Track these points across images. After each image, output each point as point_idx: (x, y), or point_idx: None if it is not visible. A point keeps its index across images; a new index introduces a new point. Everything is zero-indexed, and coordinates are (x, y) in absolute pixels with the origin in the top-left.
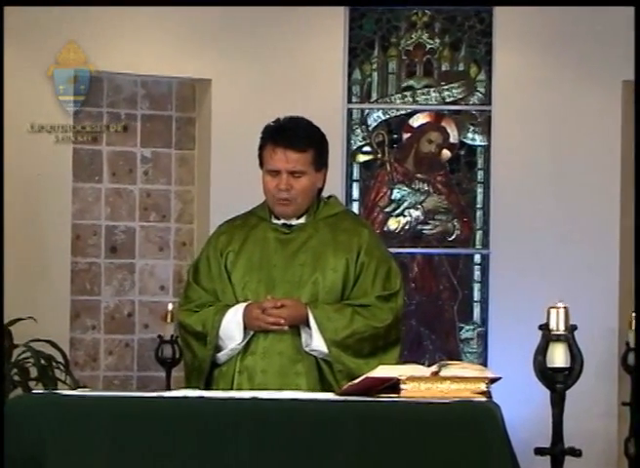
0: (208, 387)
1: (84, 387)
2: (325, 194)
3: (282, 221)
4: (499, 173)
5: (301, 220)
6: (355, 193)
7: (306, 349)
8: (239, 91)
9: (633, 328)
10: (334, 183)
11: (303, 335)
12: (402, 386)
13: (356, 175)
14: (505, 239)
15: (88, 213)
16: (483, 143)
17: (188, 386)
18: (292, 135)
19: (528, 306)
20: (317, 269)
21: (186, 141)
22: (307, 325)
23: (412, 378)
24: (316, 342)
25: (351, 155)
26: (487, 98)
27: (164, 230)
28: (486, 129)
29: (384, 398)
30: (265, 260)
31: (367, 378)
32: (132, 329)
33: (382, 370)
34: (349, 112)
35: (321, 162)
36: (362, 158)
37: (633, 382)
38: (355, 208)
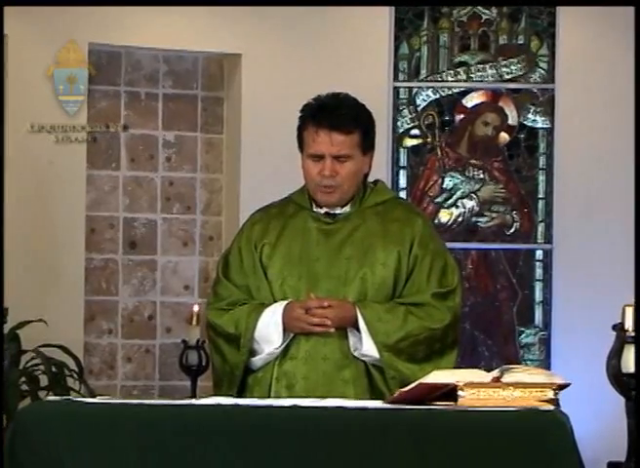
0: (240, 396)
1: (102, 396)
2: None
3: (324, 210)
4: (563, 158)
5: (346, 209)
6: (402, 181)
7: (355, 354)
8: (273, 67)
9: None
10: (378, 170)
11: (352, 339)
12: (459, 393)
13: (403, 161)
14: (570, 232)
15: (104, 204)
16: (545, 125)
17: (218, 395)
18: (337, 114)
19: (596, 307)
20: (365, 264)
21: (214, 124)
22: (356, 327)
23: (470, 385)
24: (366, 346)
25: (398, 139)
26: (550, 75)
27: (189, 223)
28: (549, 109)
29: (440, 406)
30: (306, 254)
31: (420, 384)
32: (153, 333)
33: (437, 376)
34: (396, 91)
35: (368, 144)
36: (410, 142)
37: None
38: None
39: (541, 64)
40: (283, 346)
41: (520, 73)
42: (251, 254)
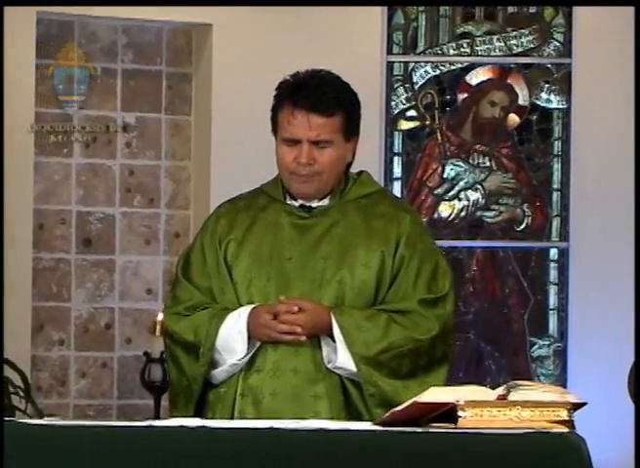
0: (199, 414)
1: (51, 416)
2: (355, 169)
3: (300, 202)
4: (581, 143)
5: (325, 202)
6: (396, 170)
7: (329, 366)
8: (247, 39)
9: None
10: (369, 157)
11: (325, 349)
12: (460, 413)
13: (398, 146)
14: (589, 229)
15: (54, 195)
16: (561, 106)
17: (174, 414)
18: (316, 94)
19: (617, 315)
20: (344, 264)
21: (180, 104)
22: (330, 335)
23: (472, 404)
24: (342, 358)
25: (392, 121)
26: (566, 49)
27: (152, 217)
28: (565, 87)
29: (437, 429)
30: (277, 252)
31: (415, 403)
32: (110, 344)
33: (435, 394)
34: (389, 66)
35: (351, 129)
36: (406, 125)
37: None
38: (397, 188)
39: (556, 36)
40: (248, 357)
41: (532, 46)
42: (215, 252)
